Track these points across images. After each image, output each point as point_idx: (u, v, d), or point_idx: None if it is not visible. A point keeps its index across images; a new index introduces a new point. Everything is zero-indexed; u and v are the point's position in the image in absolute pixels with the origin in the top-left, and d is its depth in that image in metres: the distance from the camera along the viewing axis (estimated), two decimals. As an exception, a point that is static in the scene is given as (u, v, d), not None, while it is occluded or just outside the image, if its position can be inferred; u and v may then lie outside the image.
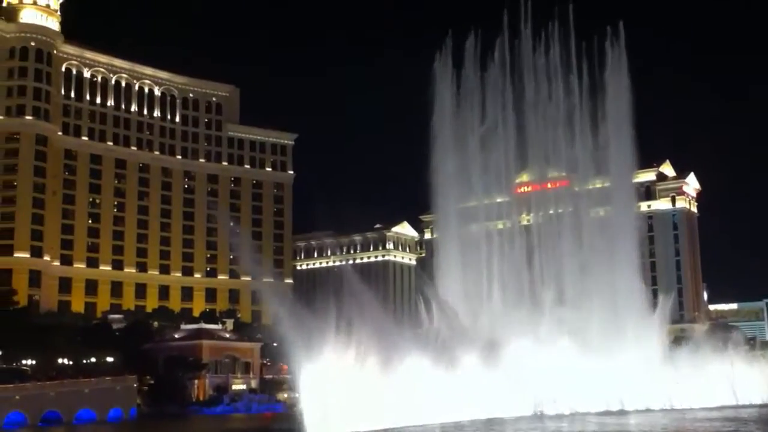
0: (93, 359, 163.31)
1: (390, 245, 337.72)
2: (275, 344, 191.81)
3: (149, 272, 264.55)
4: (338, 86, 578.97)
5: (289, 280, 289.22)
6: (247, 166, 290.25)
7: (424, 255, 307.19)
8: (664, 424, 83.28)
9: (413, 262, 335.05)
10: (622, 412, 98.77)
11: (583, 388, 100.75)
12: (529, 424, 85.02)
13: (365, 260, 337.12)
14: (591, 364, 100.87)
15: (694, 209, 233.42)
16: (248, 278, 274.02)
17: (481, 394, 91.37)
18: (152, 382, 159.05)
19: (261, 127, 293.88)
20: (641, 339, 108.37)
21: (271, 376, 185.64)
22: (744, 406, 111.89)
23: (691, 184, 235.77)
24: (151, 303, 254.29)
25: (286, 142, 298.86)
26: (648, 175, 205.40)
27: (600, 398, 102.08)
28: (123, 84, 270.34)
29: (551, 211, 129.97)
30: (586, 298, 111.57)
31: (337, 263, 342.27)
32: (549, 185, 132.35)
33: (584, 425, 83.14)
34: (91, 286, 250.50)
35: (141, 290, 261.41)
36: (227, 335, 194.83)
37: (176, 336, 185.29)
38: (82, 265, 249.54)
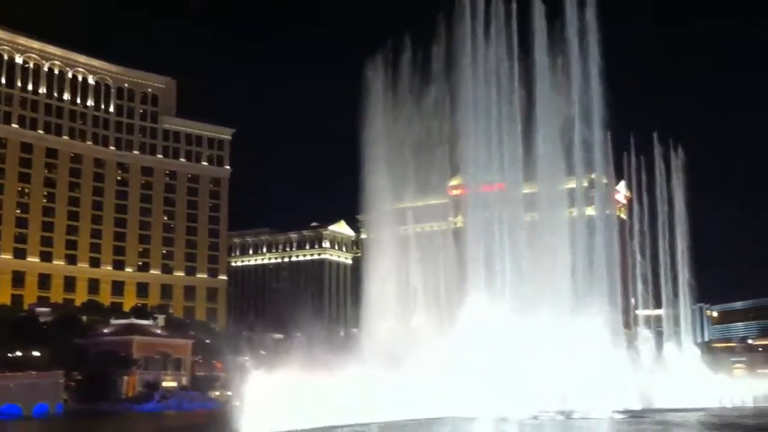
0: (19, 353, 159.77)
1: (326, 244, 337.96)
2: (208, 341, 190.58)
3: (79, 265, 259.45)
4: (279, 82, 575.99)
5: (224, 277, 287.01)
6: (183, 160, 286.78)
7: (360, 254, 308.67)
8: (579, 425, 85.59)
9: (350, 262, 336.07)
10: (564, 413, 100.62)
11: (526, 391, 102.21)
12: (470, 424, 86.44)
13: (301, 258, 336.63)
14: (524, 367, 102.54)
15: (624, 216, 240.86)
16: (181, 273, 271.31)
17: (425, 394, 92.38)
18: (81, 377, 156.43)
19: (198, 121, 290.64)
20: (583, 344, 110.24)
21: (203, 374, 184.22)
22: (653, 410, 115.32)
23: (622, 191, 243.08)
24: (81, 297, 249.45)
25: (223, 136, 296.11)
26: (580, 182, 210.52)
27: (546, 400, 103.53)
28: (56, 71, 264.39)
29: (486, 215, 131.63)
30: (519, 301, 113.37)
31: (273, 261, 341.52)
32: (484, 188, 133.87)
33: (511, 427, 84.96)
34: (18, 278, 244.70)
35: (70, 283, 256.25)
36: (159, 331, 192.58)
37: (106, 331, 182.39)
38: (9, 256, 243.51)
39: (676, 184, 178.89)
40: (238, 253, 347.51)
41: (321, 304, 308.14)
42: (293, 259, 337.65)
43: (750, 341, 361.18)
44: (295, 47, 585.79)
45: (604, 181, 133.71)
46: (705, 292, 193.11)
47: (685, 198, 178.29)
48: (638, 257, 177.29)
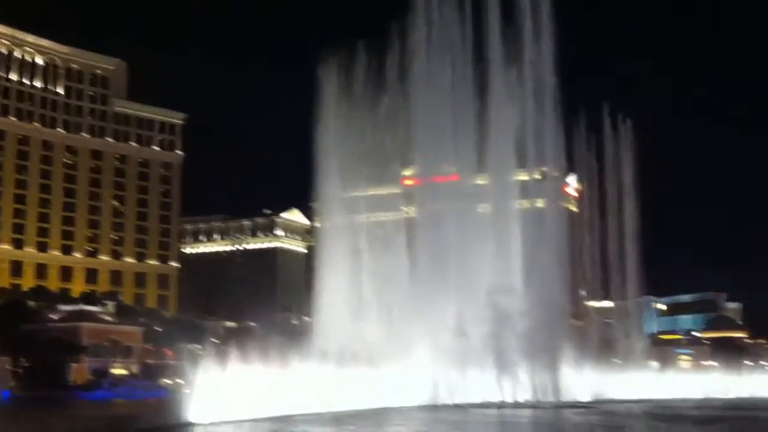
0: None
1: (280, 232, 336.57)
2: (159, 329, 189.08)
3: (26, 249, 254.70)
4: (234, 68, 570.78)
5: (175, 264, 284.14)
6: (134, 144, 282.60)
7: (313, 243, 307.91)
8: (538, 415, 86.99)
9: (303, 250, 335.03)
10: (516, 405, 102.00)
11: (478, 381, 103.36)
12: (419, 413, 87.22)
13: (254, 246, 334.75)
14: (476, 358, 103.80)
15: (575, 208, 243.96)
16: (132, 260, 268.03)
17: (376, 384, 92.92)
18: (28, 364, 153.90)
19: (150, 105, 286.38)
20: (532, 335, 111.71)
21: (153, 362, 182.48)
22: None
23: (573, 184, 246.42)
24: (28, 282, 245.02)
25: (175, 121, 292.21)
26: (530, 174, 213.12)
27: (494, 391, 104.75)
28: (3, 51, 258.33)
29: (438, 206, 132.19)
30: (469, 291, 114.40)
31: (226, 248, 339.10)
32: (436, 179, 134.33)
33: (467, 416, 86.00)
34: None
35: (16, 268, 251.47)
36: (108, 318, 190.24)
37: (54, 317, 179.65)
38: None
39: (627, 177, 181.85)
40: (190, 239, 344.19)
41: (274, 292, 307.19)
42: (246, 246, 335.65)
43: (696, 334, 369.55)
44: (251, 32, 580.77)
45: (555, 174, 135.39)
46: (653, 284, 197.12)
47: (635, 191, 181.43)
48: (588, 249, 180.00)
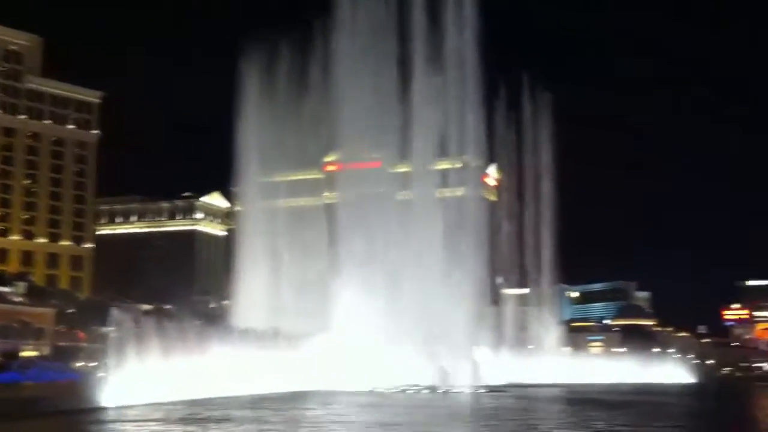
0: None
1: (199, 215, 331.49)
2: (72, 311, 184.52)
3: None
4: (154, 46, 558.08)
5: (90, 245, 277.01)
6: (48, 122, 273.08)
7: (233, 227, 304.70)
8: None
9: (223, 233, 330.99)
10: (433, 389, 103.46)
11: (395, 366, 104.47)
12: (337, 396, 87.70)
13: (173, 229, 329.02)
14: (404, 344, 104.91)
15: (494, 198, 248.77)
16: (44, 240, 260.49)
17: (299, 368, 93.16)
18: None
19: (65, 82, 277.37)
20: (451, 321, 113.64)
21: (66, 344, 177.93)
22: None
23: (493, 174, 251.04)
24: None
25: (92, 99, 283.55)
26: (452, 163, 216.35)
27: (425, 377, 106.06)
28: None
29: (361, 191, 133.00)
30: (388, 278, 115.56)
31: (143, 230, 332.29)
32: (359, 165, 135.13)
33: (383, 399, 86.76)
34: None
35: None
36: (18, 299, 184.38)
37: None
38: None
39: (544, 167, 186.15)
40: (105, 220, 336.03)
41: (193, 275, 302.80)
42: (164, 229, 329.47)
43: (607, 321, 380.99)
44: (174, 10, 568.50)
45: (475, 163, 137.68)
46: (566, 272, 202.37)
47: (552, 182, 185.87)
48: (505, 238, 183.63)
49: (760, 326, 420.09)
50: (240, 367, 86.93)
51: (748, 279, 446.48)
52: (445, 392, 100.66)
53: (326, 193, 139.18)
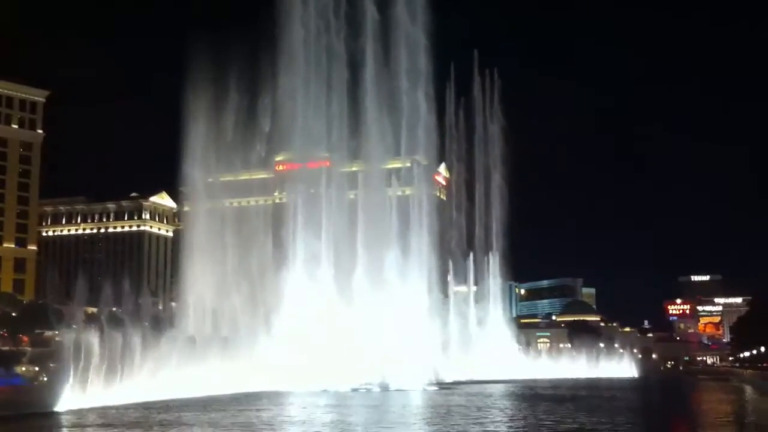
0: None
1: (147, 215, 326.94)
2: (14, 314, 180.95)
3: None
4: (100, 44, 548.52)
5: (33, 247, 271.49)
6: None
7: (181, 227, 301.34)
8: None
9: (170, 234, 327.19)
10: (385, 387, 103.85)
11: (346, 366, 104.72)
12: (293, 398, 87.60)
13: (119, 230, 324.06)
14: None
15: (444, 196, 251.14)
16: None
17: (250, 370, 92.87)
18: None
19: (8, 81, 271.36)
20: (401, 319, 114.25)
21: (8, 348, 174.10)
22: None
23: (442, 173, 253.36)
24: None
25: (36, 98, 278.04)
26: (402, 163, 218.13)
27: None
28: None
29: (311, 191, 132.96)
30: (338, 278, 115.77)
31: (89, 231, 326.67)
32: (309, 165, 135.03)
33: (339, 399, 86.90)
34: None
35: None
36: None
37: None
38: None
39: (493, 166, 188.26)
40: (50, 222, 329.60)
41: (140, 277, 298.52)
42: (110, 230, 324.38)
43: (554, 317, 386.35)
44: (120, 7, 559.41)
45: (425, 162, 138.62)
46: (514, 269, 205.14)
47: (500, 179, 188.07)
48: (455, 235, 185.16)
49: (703, 320, 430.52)
50: (190, 368, 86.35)
51: (691, 274, 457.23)
52: (397, 391, 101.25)
53: (276, 193, 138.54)
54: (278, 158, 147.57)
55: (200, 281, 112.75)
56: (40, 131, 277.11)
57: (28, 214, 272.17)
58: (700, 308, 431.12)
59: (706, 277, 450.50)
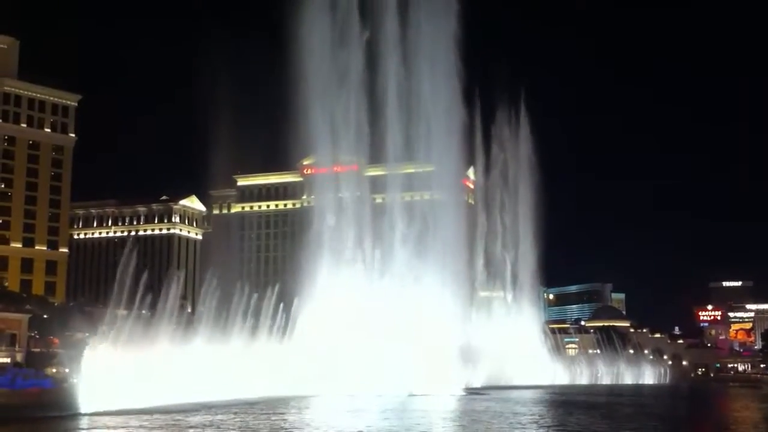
0: None
1: (176, 219, 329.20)
2: (45, 316, 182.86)
3: None
4: (132, 50, 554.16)
5: (65, 249, 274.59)
6: (24, 125, 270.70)
7: (210, 230, 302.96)
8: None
9: (200, 237, 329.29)
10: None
11: (374, 371, 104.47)
12: (320, 401, 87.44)
13: (149, 233, 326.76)
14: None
15: (472, 201, 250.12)
16: (18, 245, 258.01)
17: (281, 373, 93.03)
18: None
19: (42, 85, 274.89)
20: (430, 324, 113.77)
21: (39, 350, 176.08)
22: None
23: (471, 177, 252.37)
24: None
25: (68, 102, 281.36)
26: (430, 167, 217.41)
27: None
28: None
29: (337, 195, 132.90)
30: (365, 283, 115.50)
31: (119, 234, 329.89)
32: (335, 169, 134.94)
33: (370, 404, 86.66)
34: None
35: None
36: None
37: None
38: None
39: (522, 170, 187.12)
40: (81, 225, 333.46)
41: (169, 280, 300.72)
42: (141, 233, 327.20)
43: (583, 323, 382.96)
44: (147, 15, 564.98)
45: (454, 166, 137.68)
46: (543, 274, 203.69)
47: (530, 184, 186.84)
48: (483, 241, 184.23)
49: (735, 327, 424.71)
50: (217, 372, 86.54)
51: (722, 280, 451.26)
52: (424, 396, 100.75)
53: (304, 197, 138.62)
54: (305, 162, 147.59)
55: (230, 284, 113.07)
56: (72, 135, 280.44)
57: (59, 216, 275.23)
58: (731, 314, 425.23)
59: (738, 283, 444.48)
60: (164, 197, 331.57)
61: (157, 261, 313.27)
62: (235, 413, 68.22)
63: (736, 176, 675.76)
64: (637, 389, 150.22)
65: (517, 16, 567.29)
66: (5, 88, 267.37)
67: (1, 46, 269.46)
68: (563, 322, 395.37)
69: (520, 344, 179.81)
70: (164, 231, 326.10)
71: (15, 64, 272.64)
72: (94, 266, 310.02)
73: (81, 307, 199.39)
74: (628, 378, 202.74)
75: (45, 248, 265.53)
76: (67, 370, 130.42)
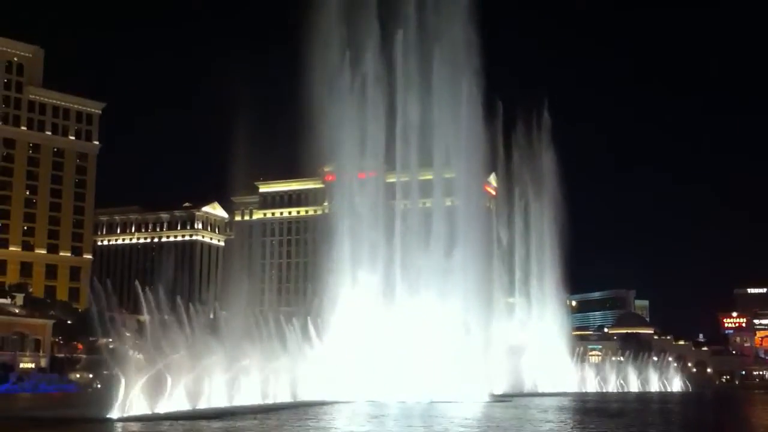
0: None
1: (199, 225, 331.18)
2: (69, 322, 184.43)
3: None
4: (156, 61, 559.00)
5: (88, 256, 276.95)
6: (49, 133, 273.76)
7: (233, 237, 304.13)
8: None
9: (222, 243, 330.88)
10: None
11: (398, 379, 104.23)
12: (351, 407, 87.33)
13: (172, 239, 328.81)
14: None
15: (494, 207, 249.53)
16: (43, 251, 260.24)
17: (309, 378, 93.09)
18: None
19: (66, 93, 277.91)
20: (452, 331, 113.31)
21: (63, 355, 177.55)
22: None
23: (492, 183, 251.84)
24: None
25: (92, 110, 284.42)
26: (451, 173, 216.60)
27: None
28: None
29: (358, 200, 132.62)
30: (387, 289, 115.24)
31: (142, 240, 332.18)
32: (357, 175, 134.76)
33: (393, 410, 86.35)
34: None
35: None
36: (16, 310, 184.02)
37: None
38: None
39: (546, 178, 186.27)
40: (104, 231, 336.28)
41: (192, 286, 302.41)
42: (164, 239, 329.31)
43: (606, 330, 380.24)
44: (172, 22, 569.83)
45: (475, 172, 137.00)
46: (565, 281, 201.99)
47: (552, 190, 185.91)
48: (504, 247, 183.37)
49: (760, 334, 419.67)
50: (241, 378, 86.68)
51: (747, 287, 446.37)
52: (449, 403, 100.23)
53: (325, 203, 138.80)
54: (327, 168, 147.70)
55: (252, 290, 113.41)
56: (96, 142, 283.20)
57: (83, 223, 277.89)
58: (756, 321, 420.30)
59: (763, 290, 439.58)
60: (187, 204, 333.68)
61: (180, 267, 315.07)
62: (258, 419, 68.20)
63: (760, 182, 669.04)
64: (662, 396, 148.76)
65: (547, 24, 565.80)
66: (30, 96, 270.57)
67: (26, 54, 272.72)
68: (586, 328, 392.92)
69: (544, 351, 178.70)
70: (187, 237, 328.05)
71: (40, 73, 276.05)
72: (117, 272, 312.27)
73: (105, 313, 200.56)
74: (651, 385, 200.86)
75: (69, 254, 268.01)
76: (90, 375, 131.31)
